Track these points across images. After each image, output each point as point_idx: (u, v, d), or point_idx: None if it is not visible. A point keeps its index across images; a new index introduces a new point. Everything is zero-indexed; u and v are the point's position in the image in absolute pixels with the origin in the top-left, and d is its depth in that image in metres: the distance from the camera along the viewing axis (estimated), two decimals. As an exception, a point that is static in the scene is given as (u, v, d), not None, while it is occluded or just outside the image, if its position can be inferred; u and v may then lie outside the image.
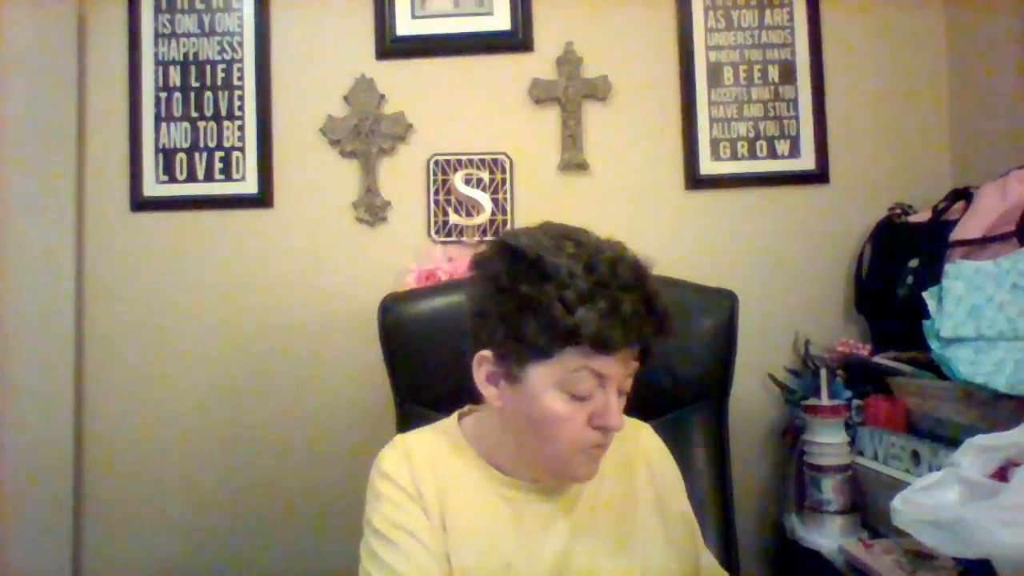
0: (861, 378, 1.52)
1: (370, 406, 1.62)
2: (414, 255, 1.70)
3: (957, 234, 1.36)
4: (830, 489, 1.41)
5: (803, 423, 1.50)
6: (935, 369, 1.28)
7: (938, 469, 1.11)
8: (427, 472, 0.95)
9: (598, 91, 1.76)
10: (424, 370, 1.26)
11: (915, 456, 1.29)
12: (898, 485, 1.22)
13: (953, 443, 1.17)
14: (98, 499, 1.70)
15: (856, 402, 1.50)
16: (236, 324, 1.73)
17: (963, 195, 1.45)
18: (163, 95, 1.76)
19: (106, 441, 1.71)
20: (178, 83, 1.76)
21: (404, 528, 0.91)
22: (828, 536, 1.38)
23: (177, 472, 1.71)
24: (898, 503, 1.00)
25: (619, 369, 0.87)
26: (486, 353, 0.91)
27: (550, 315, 0.83)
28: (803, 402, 1.51)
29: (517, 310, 0.85)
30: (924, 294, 1.25)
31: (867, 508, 1.41)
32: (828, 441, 1.42)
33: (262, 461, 1.71)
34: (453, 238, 1.74)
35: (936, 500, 0.97)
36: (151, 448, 1.71)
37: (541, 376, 0.87)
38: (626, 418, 1.01)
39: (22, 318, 1.66)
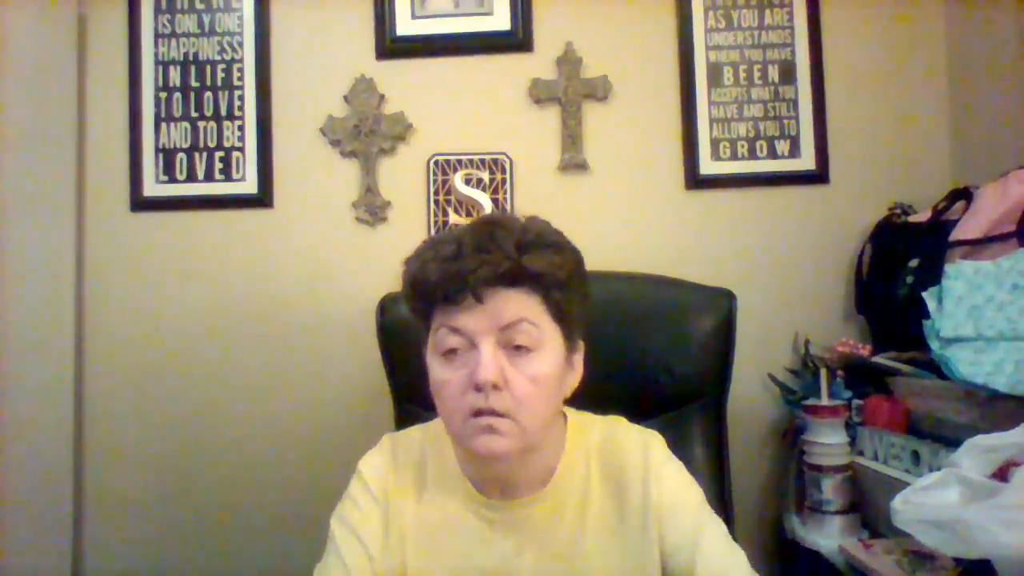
0: (861, 378, 1.52)
1: (369, 405, 1.62)
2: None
3: (957, 234, 1.36)
4: (830, 489, 1.41)
5: (803, 423, 1.49)
6: (935, 369, 1.28)
7: (938, 469, 1.11)
8: (409, 473, 0.96)
9: (598, 91, 1.76)
10: (422, 370, 1.25)
11: (915, 456, 1.29)
12: (898, 485, 1.22)
13: (953, 443, 1.16)
14: (99, 499, 1.70)
15: (856, 402, 1.49)
16: (236, 324, 1.73)
17: (963, 195, 1.45)
18: (163, 95, 1.76)
19: (106, 440, 1.71)
20: (178, 83, 1.76)
21: (353, 530, 0.93)
22: (828, 536, 1.38)
23: (177, 470, 1.71)
24: (898, 503, 1.00)
25: (477, 321, 0.83)
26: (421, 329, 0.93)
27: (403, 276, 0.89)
28: (803, 402, 1.51)
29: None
30: (924, 294, 1.25)
31: (867, 508, 1.41)
32: (828, 441, 1.42)
33: (261, 459, 1.71)
34: (453, 238, 1.74)
35: (936, 500, 0.97)
36: (151, 446, 1.71)
37: (428, 349, 0.89)
38: (634, 428, 0.98)
39: (22, 318, 1.66)
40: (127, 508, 1.70)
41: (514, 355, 0.84)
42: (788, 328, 1.70)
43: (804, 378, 1.62)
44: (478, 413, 0.83)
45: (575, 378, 0.94)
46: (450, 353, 0.85)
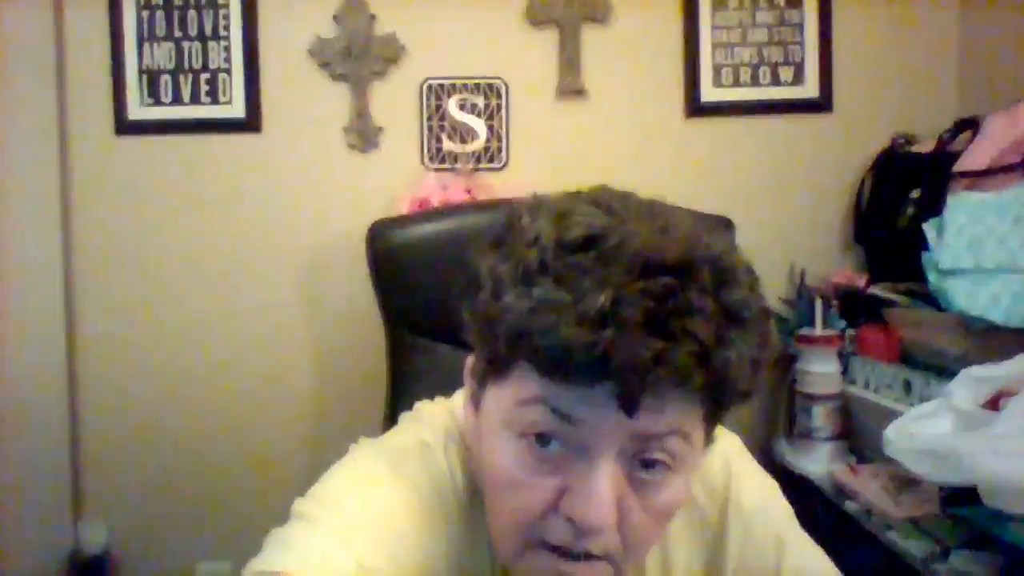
0: (856, 309, 1.53)
1: (362, 330, 1.61)
2: (407, 182, 1.67)
3: (961, 164, 1.34)
4: (821, 417, 1.44)
5: (796, 352, 1.51)
6: (931, 302, 1.29)
7: (929, 399, 1.13)
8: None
9: (597, 13, 1.69)
10: (415, 297, 1.24)
11: (907, 386, 1.31)
12: (889, 414, 1.25)
13: (946, 374, 1.18)
14: (94, 430, 1.71)
15: (850, 332, 1.51)
16: (225, 251, 1.70)
17: (969, 125, 1.42)
18: (145, 14, 1.68)
19: (99, 370, 1.71)
20: (160, 1, 1.68)
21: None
22: (817, 462, 1.42)
23: (170, 398, 1.71)
24: (891, 433, 1.03)
25: (605, 422, 0.50)
26: (470, 359, 0.62)
27: (475, 301, 0.55)
28: (797, 332, 1.52)
29: (462, 295, 0.57)
30: (925, 225, 1.25)
31: (856, 436, 1.44)
32: (820, 370, 1.44)
33: (253, 384, 1.71)
34: (447, 165, 1.71)
35: (929, 430, 0.99)
36: (144, 373, 1.70)
37: (493, 404, 0.56)
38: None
39: (9, 247, 1.63)
40: (124, 433, 1.71)
41: (641, 476, 0.53)
42: (784, 258, 1.70)
43: (799, 308, 1.62)
44: (559, 551, 0.53)
45: None
46: (536, 437, 0.53)
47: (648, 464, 0.52)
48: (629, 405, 0.48)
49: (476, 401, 0.59)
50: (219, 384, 1.71)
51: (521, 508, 0.53)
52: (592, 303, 0.47)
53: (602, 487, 0.50)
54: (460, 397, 0.66)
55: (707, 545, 0.68)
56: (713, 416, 0.55)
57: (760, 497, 0.70)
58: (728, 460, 0.70)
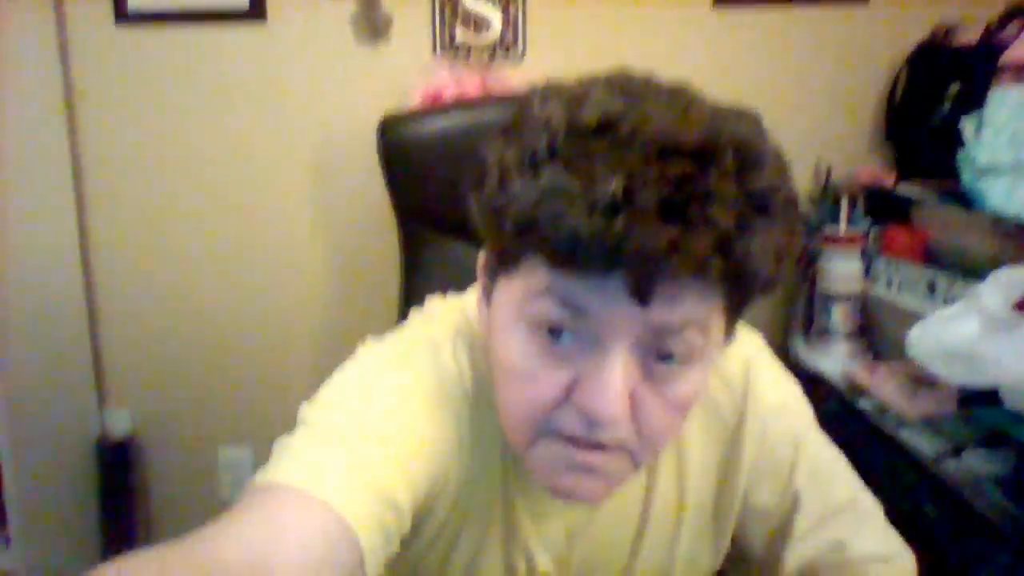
0: (882, 208, 1.49)
1: (372, 224, 1.60)
2: (418, 75, 1.60)
3: (1009, 56, 1.27)
4: (839, 315, 1.43)
5: (818, 251, 1.48)
6: (963, 202, 1.25)
7: (954, 301, 1.12)
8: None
9: None
10: (428, 194, 1.22)
11: (931, 287, 1.29)
12: (910, 315, 1.24)
13: (973, 275, 1.16)
14: (112, 320, 1.73)
15: (875, 229, 1.47)
16: (233, 143, 1.66)
17: (1021, 13, 1.33)
18: None
19: (113, 262, 1.70)
20: None
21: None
22: (833, 360, 1.42)
23: (186, 289, 1.71)
24: (915, 333, 1.02)
25: (617, 312, 0.48)
26: (482, 254, 0.59)
27: (483, 189, 0.52)
28: (820, 230, 1.49)
29: (472, 186, 0.54)
30: (964, 119, 1.19)
31: (874, 336, 1.44)
32: (842, 269, 1.42)
33: (268, 276, 1.71)
34: (460, 57, 1.63)
35: (955, 331, 0.98)
36: (158, 264, 1.70)
37: (504, 297, 0.54)
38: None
39: (15, 148, 1.60)
40: (143, 334, 1.73)
41: (656, 369, 0.51)
42: (810, 153, 1.64)
43: (823, 206, 1.59)
44: (572, 441, 0.52)
45: None
46: (548, 331, 0.51)
47: (664, 356, 0.50)
48: (642, 295, 0.46)
49: (488, 295, 0.57)
50: (233, 275, 1.71)
51: (533, 399, 0.52)
52: (604, 189, 0.44)
53: (614, 378, 0.49)
54: (473, 294, 0.64)
55: (723, 443, 0.67)
56: (733, 309, 0.53)
57: (780, 397, 0.69)
58: (749, 359, 0.68)
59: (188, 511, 1.75)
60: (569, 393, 0.51)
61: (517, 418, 0.54)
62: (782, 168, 0.50)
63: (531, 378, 0.52)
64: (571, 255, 0.46)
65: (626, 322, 0.48)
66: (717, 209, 0.45)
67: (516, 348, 0.52)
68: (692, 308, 0.49)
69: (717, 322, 0.52)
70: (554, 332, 0.51)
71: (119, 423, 1.72)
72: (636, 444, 0.53)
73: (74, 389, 1.69)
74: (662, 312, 0.48)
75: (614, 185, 0.44)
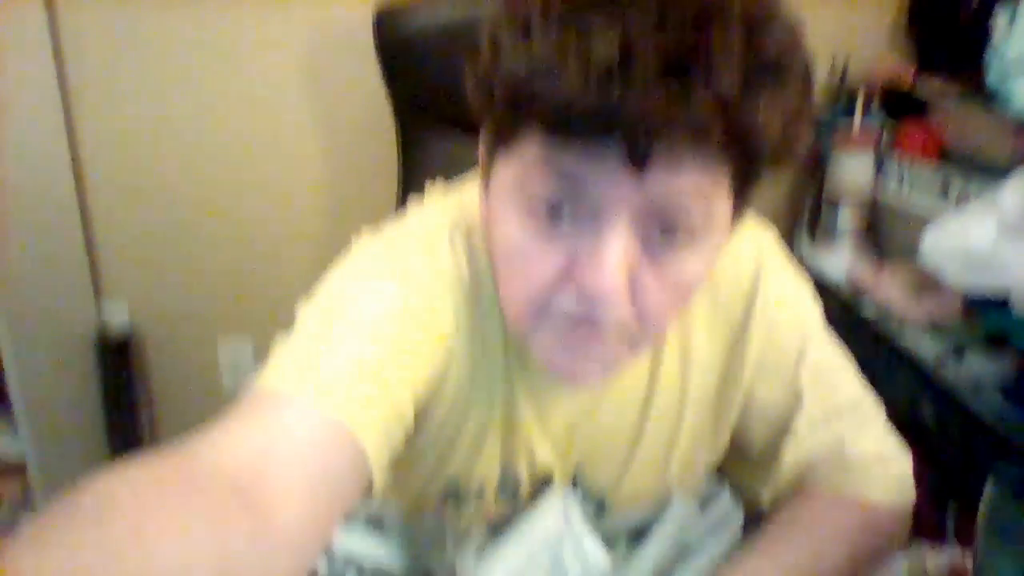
0: (899, 105, 1.44)
1: (370, 115, 1.54)
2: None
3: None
4: (847, 216, 1.41)
5: (828, 149, 1.44)
6: (982, 101, 1.20)
7: (967, 203, 1.09)
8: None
9: None
10: (427, 88, 1.17)
11: (944, 187, 1.26)
12: (920, 217, 1.21)
13: (989, 177, 1.13)
14: (104, 210, 1.69)
15: (889, 124, 1.42)
16: (225, 38, 1.57)
17: None
18: None
19: (102, 154, 1.64)
20: None
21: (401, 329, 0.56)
22: (838, 263, 1.40)
23: (180, 180, 1.66)
24: (929, 236, 1.00)
25: (615, 183, 0.46)
26: (482, 143, 0.56)
27: (477, 59, 0.49)
28: (833, 125, 1.44)
29: (468, 63, 0.51)
30: (998, 8, 1.12)
31: (882, 239, 1.42)
32: (853, 168, 1.39)
33: (258, 172, 1.67)
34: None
35: (970, 234, 0.96)
36: (149, 156, 1.64)
37: (502, 179, 0.52)
38: (748, 242, 0.65)
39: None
40: (137, 224, 1.68)
41: (658, 245, 0.49)
42: (826, 47, 1.57)
43: (837, 102, 1.53)
44: (571, 322, 0.51)
45: None
46: (546, 213, 0.49)
47: (666, 230, 0.48)
48: (640, 161, 0.44)
49: (487, 177, 0.55)
50: (231, 168, 1.66)
51: (532, 279, 0.51)
52: (598, 51, 0.42)
53: (611, 252, 0.47)
54: (473, 185, 0.62)
55: (729, 338, 0.66)
56: (741, 184, 0.50)
57: (788, 293, 0.67)
58: (759, 253, 0.66)
59: (190, 398, 1.77)
60: (568, 274, 0.50)
61: (518, 301, 0.53)
62: (793, 32, 0.47)
63: (529, 259, 0.50)
64: (565, 121, 0.44)
65: (624, 192, 0.46)
66: (719, 71, 0.42)
67: (514, 230, 0.51)
68: (693, 179, 0.46)
69: (722, 197, 0.49)
70: (552, 213, 0.49)
71: (117, 315, 1.72)
72: (635, 326, 0.52)
73: (71, 282, 1.68)
74: (661, 181, 0.46)
75: (610, 47, 0.42)
